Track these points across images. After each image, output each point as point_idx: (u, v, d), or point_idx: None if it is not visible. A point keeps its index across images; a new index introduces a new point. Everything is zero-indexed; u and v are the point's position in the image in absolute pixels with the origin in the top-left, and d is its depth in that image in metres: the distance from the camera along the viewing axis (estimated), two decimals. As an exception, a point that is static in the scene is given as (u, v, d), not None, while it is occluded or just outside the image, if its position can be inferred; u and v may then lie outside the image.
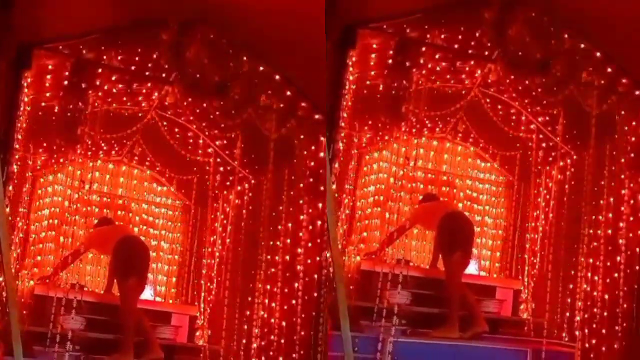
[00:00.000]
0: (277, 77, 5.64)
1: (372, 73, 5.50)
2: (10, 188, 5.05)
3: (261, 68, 5.61)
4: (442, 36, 5.52)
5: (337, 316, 5.03)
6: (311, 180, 5.66)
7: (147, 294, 6.34)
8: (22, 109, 5.01)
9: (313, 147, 5.67)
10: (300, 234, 5.71)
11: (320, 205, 5.61)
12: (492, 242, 6.86)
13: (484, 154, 6.85)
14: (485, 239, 6.84)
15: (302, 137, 5.75)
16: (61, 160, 5.86)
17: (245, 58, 5.56)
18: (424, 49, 5.49)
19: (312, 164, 5.67)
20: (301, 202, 5.76)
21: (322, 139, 5.55)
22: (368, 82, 5.52)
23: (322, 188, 5.55)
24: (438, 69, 5.67)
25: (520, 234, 6.66)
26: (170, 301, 6.65)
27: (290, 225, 5.79)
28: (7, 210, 4.93)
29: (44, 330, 5.31)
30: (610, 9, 5.35)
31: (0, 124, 4.90)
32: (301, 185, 5.77)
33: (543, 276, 6.27)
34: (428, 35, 5.48)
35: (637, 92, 6.02)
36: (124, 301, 5.66)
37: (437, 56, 5.60)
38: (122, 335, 5.57)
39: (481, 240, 6.79)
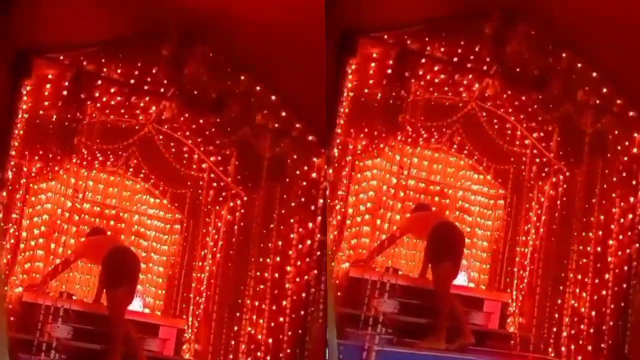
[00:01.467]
0: (273, 97, 5.71)
1: (371, 82, 5.54)
2: (4, 194, 5.07)
3: (258, 88, 5.68)
4: (442, 49, 5.57)
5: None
6: (302, 199, 5.73)
7: (135, 305, 6.31)
8: (20, 116, 5.04)
9: (306, 167, 5.74)
10: (290, 252, 5.77)
11: (310, 225, 5.68)
12: (482, 254, 6.90)
13: (478, 166, 6.88)
14: (475, 251, 6.86)
15: (295, 157, 5.82)
16: (56, 168, 5.87)
17: (242, 77, 5.62)
18: (423, 60, 5.54)
19: (304, 183, 5.73)
20: (292, 220, 5.82)
21: (315, 159, 5.60)
22: (366, 91, 5.55)
23: (312, 208, 5.62)
24: (436, 80, 5.73)
25: (511, 247, 6.68)
26: (159, 313, 6.62)
27: (280, 243, 5.85)
28: (0, 215, 4.96)
29: (31, 338, 5.30)
30: (609, 30, 5.41)
31: (-2, 129, 4.90)
32: (292, 204, 5.83)
33: (531, 290, 6.30)
34: (428, 47, 5.53)
35: (631, 113, 6.08)
36: (112, 311, 5.65)
37: (436, 68, 5.65)
38: (110, 345, 5.55)
39: (471, 251, 6.81)
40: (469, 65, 5.75)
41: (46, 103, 5.35)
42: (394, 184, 5.71)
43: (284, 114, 5.75)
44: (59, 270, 5.91)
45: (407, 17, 5.34)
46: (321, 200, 5.42)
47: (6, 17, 4.76)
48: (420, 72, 5.55)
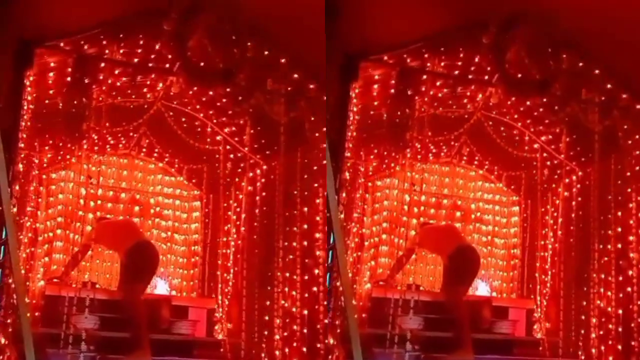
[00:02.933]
0: (283, 60, 5.53)
1: (375, 103, 5.54)
2: (17, 187, 4.93)
3: (266, 52, 5.50)
4: (442, 63, 5.59)
5: (350, 345, 5.02)
6: (324, 162, 5.37)
7: (162, 288, 6.13)
8: (25, 107, 4.94)
9: (324, 128, 5.42)
10: (318, 218, 5.53)
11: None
12: (502, 263, 6.87)
13: (490, 175, 6.88)
14: (495, 260, 6.85)
15: (312, 118, 5.60)
16: (68, 156, 5.73)
17: (249, 43, 5.45)
18: (425, 77, 5.54)
19: (324, 145, 5.40)
20: (316, 185, 5.58)
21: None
22: (372, 112, 5.56)
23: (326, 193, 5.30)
24: (440, 95, 5.73)
25: (530, 253, 6.67)
26: (187, 295, 6.38)
27: (306, 209, 5.60)
28: (15, 210, 4.82)
29: (57, 332, 5.10)
30: (606, 26, 5.42)
31: (4, 123, 4.81)
32: (315, 167, 5.60)
33: (555, 294, 6.27)
34: (428, 64, 5.54)
35: (638, 106, 6.07)
36: (134, 302, 5.51)
37: (438, 83, 5.66)
38: (136, 332, 5.38)
39: (491, 261, 6.80)
40: (470, 77, 5.77)
41: (51, 91, 5.21)
42: (408, 202, 5.70)
43: (295, 75, 5.56)
44: (79, 259, 5.68)
45: (405, 36, 5.38)
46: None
47: (5, 9, 4.71)
48: (423, 89, 5.55)
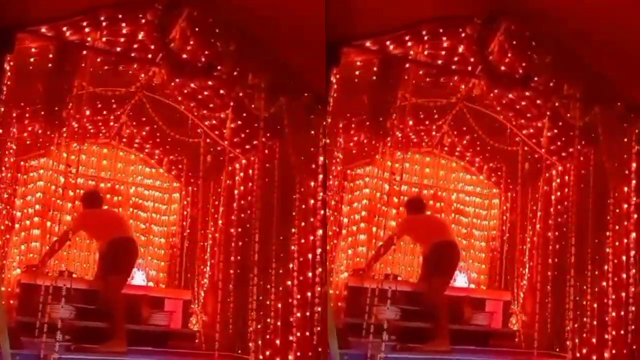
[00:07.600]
0: (265, 55, 5.53)
1: (357, 90, 5.52)
2: None
3: (248, 46, 5.49)
4: (426, 52, 5.55)
5: (325, 334, 5.02)
6: (302, 158, 5.45)
7: (139, 279, 6.12)
8: (5, 92, 4.84)
9: (304, 125, 5.47)
10: (293, 214, 5.57)
11: (312, 183, 5.44)
12: (480, 255, 6.91)
13: (470, 167, 6.91)
14: (473, 252, 6.87)
15: (292, 114, 5.60)
16: (47, 144, 5.68)
17: (232, 37, 5.43)
18: (407, 65, 5.52)
19: (303, 142, 5.47)
20: (293, 180, 5.59)
21: (311, 116, 5.39)
22: (352, 99, 5.54)
23: (313, 166, 5.40)
24: (422, 84, 5.71)
25: (509, 245, 6.71)
26: (163, 286, 6.43)
27: (282, 205, 5.64)
28: None
29: (32, 321, 5.03)
30: (590, 23, 5.43)
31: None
32: (292, 163, 5.60)
33: (532, 287, 6.30)
34: (411, 52, 5.51)
35: (618, 103, 6.10)
36: (113, 294, 5.46)
37: (420, 72, 5.64)
38: (113, 323, 5.36)
39: (470, 252, 6.82)
40: (453, 67, 5.74)
41: (31, 77, 5.13)
42: (387, 191, 5.68)
43: (277, 71, 5.55)
44: (56, 247, 5.61)
45: (388, 23, 5.35)
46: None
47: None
48: (405, 77, 5.51)
